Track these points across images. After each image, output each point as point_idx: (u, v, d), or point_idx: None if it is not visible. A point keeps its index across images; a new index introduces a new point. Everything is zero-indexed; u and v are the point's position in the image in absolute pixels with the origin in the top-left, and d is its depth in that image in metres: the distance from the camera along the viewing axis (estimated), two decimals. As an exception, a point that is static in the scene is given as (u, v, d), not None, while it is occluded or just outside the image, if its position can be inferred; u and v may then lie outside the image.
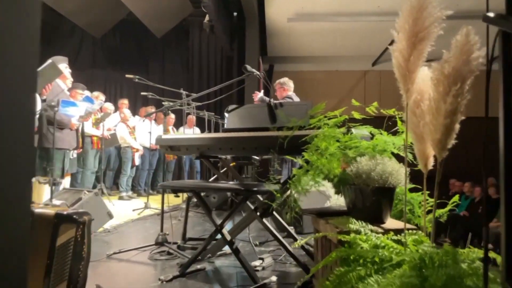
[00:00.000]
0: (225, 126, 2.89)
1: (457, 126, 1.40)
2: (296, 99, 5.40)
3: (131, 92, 9.57)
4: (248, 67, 2.97)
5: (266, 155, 3.82)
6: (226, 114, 5.73)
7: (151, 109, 8.09)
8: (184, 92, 5.03)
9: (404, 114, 1.58)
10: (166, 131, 3.50)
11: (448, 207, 1.98)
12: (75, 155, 6.14)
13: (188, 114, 7.74)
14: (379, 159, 1.77)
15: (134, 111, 8.70)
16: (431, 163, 1.56)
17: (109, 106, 7.55)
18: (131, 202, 6.91)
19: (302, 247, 2.63)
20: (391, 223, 1.76)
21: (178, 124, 8.38)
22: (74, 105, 4.73)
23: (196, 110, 6.54)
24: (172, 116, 8.01)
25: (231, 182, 2.35)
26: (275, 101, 2.77)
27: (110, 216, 3.86)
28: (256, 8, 8.38)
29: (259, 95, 4.73)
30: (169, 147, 2.79)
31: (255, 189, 2.11)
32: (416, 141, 1.57)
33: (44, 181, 3.72)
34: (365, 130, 2.14)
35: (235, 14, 9.28)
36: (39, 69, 4.04)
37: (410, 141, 1.96)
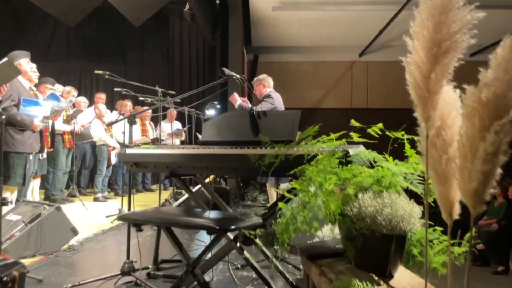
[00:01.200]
0: (201, 138, 2.51)
1: (498, 171, 1.04)
2: (276, 95, 5.03)
3: (108, 85, 8.97)
4: (226, 71, 2.57)
5: (247, 176, 3.44)
6: (206, 111, 5.25)
7: (128, 102, 7.64)
8: (160, 90, 4.61)
9: (423, 147, 1.22)
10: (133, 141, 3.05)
11: (464, 248, 1.65)
12: (45, 156, 5.68)
13: (167, 108, 7.30)
14: (386, 198, 1.41)
15: (112, 105, 8.19)
16: (457, 211, 1.20)
17: (83, 100, 7.07)
18: (107, 204, 6.49)
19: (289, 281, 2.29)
20: (401, 278, 1.42)
21: (156, 118, 7.88)
22: (37, 104, 4.27)
23: (176, 105, 6.12)
24: (149, 110, 7.55)
25: (205, 214, 1.98)
26: (257, 109, 2.39)
27: (74, 232, 3.46)
28: (239, -5, 7.96)
29: (238, 101, 4.13)
30: (134, 164, 2.40)
31: (233, 226, 1.74)
32: (437, 182, 1.20)
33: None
34: (363, 149, 1.79)
35: (217, 1, 8.83)
36: (-8, 67, 3.57)
37: (420, 170, 1.64)
